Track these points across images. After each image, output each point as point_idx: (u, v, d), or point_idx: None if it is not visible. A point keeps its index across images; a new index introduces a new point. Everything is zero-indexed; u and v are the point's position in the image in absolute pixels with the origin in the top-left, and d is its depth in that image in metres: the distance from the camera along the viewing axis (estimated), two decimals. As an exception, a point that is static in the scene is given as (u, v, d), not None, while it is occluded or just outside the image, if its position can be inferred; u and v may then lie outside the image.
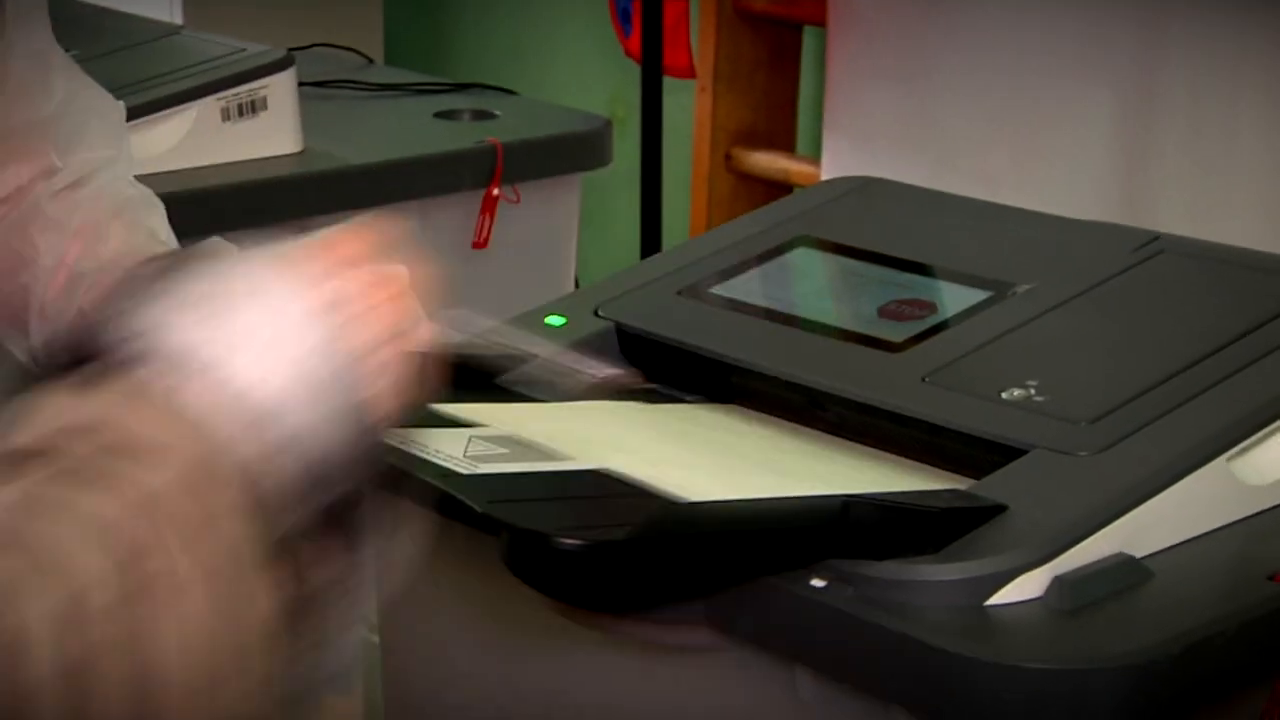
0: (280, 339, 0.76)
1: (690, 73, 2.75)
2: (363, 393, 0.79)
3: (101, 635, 0.65)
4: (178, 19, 3.08)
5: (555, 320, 1.41)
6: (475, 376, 1.34)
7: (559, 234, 2.32)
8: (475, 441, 1.15)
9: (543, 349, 1.21)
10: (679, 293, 1.42)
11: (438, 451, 1.12)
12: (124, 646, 0.66)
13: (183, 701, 0.68)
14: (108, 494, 0.68)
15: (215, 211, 1.95)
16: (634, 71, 2.74)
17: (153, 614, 0.67)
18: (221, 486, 0.71)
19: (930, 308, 1.34)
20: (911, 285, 1.38)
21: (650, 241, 2.66)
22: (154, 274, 0.78)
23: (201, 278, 0.78)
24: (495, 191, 2.18)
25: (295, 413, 0.75)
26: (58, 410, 0.71)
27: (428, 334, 0.87)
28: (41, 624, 0.64)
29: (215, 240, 0.87)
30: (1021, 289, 1.34)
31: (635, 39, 2.69)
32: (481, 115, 2.36)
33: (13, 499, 0.67)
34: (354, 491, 0.79)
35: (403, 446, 1.12)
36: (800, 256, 1.45)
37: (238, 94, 2.13)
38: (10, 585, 0.64)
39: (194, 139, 2.08)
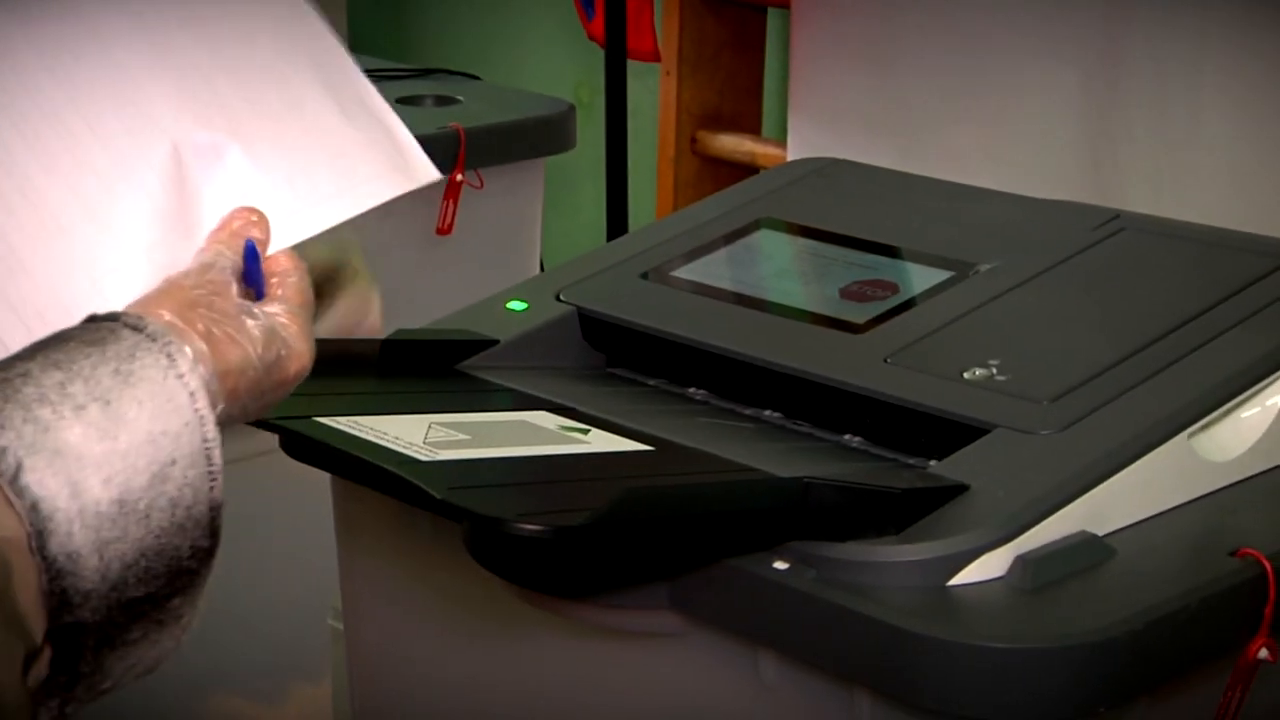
0: (123, 458, 0.80)
1: (654, 56, 2.74)
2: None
3: None
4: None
5: (517, 305, 1.41)
6: (434, 361, 1.34)
7: (523, 219, 2.31)
8: (435, 428, 1.15)
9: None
10: (642, 276, 1.42)
11: (397, 438, 1.11)
12: None
13: None
14: None
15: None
16: (598, 55, 2.73)
17: None
18: None
19: (892, 288, 1.34)
20: (874, 266, 1.38)
21: (616, 225, 2.65)
22: (54, 345, 0.82)
23: (93, 368, 0.81)
24: (459, 177, 2.17)
25: (109, 526, 0.80)
26: None
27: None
28: None
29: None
30: (983, 269, 1.34)
31: (598, 22, 2.68)
32: (444, 101, 2.35)
33: None
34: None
35: (363, 433, 1.12)
36: (763, 238, 1.45)
37: (199, 81, 2.11)
38: None
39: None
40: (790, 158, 2.50)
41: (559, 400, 1.27)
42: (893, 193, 1.51)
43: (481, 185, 2.20)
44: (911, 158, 2.21)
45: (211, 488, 0.83)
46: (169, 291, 0.89)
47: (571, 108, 2.35)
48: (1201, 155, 2.13)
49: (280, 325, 0.91)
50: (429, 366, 1.33)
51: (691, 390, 1.34)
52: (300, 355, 0.92)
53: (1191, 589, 1.05)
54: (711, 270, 1.41)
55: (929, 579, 1.05)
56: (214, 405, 0.85)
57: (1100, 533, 1.09)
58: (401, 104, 2.33)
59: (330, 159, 1.00)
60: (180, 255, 0.93)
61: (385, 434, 1.12)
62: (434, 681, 1.35)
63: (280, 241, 0.95)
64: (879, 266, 1.37)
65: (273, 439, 1.20)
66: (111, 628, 0.81)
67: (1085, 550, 1.08)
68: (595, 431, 1.21)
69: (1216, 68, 2.11)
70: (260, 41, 1.01)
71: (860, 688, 1.06)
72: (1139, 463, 1.12)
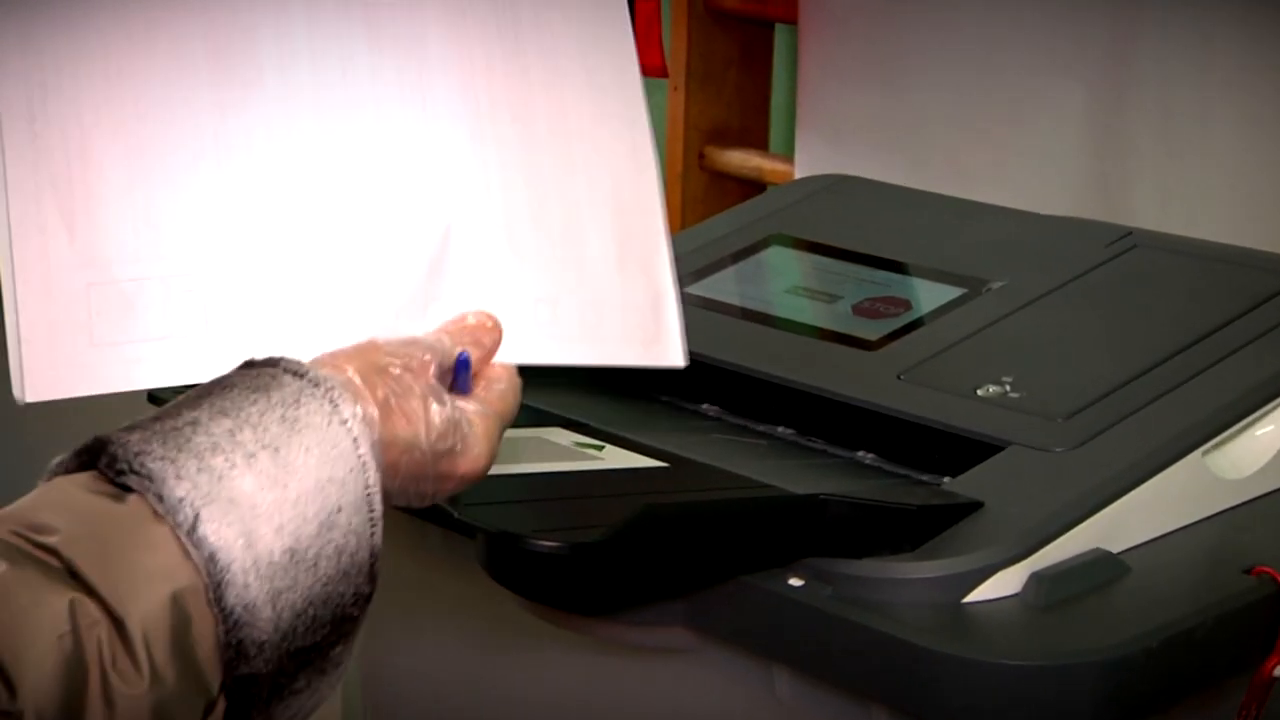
0: (292, 512, 0.80)
1: (662, 72, 2.74)
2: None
3: None
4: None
5: (530, 321, 1.41)
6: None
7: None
8: (451, 444, 1.15)
9: None
10: (654, 292, 1.42)
11: (413, 454, 1.11)
12: None
13: None
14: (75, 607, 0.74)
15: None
16: (606, 71, 2.73)
17: None
18: (162, 639, 0.76)
19: (905, 305, 1.34)
20: (886, 283, 1.38)
21: (624, 241, 2.65)
22: (218, 393, 0.82)
23: (259, 415, 0.81)
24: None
25: (274, 582, 0.79)
26: (54, 509, 0.77)
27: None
28: None
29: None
30: (995, 286, 1.34)
31: (607, 38, 2.68)
32: (454, 116, 2.35)
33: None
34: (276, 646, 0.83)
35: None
36: (775, 255, 1.45)
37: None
38: None
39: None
40: (798, 173, 2.50)
41: (573, 416, 1.27)
42: (904, 209, 1.51)
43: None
44: (919, 173, 2.21)
45: (373, 534, 0.83)
46: (362, 350, 0.88)
47: (582, 123, 2.35)
48: (1209, 170, 2.13)
49: (465, 421, 0.90)
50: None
51: (704, 407, 1.34)
52: (477, 458, 0.90)
53: (1206, 607, 1.05)
54: (724, 287, 1.42)
55: (944, 596, 1.05)
56: (376, 462, 0.83)
57: (1115, 550, 1.10)
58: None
59: (592, 302, 0.97)
60: (407, 328, 0.92)
61: (401, 450, 1.12)
62: (445, 697, 1.35)
63: (506, 356, 0.94)
64: (891, 283, 1.38)
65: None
66: (281, 677, 0.80)
67: (1100, 568, 1.08)
68: (610, 448, 1.21)
69: (1224, 83, 2.11)
70: (590, 155, 0.99)
71: (875, 704, 1.06)
72: (1153, 480, 1.12)
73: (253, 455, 0.79)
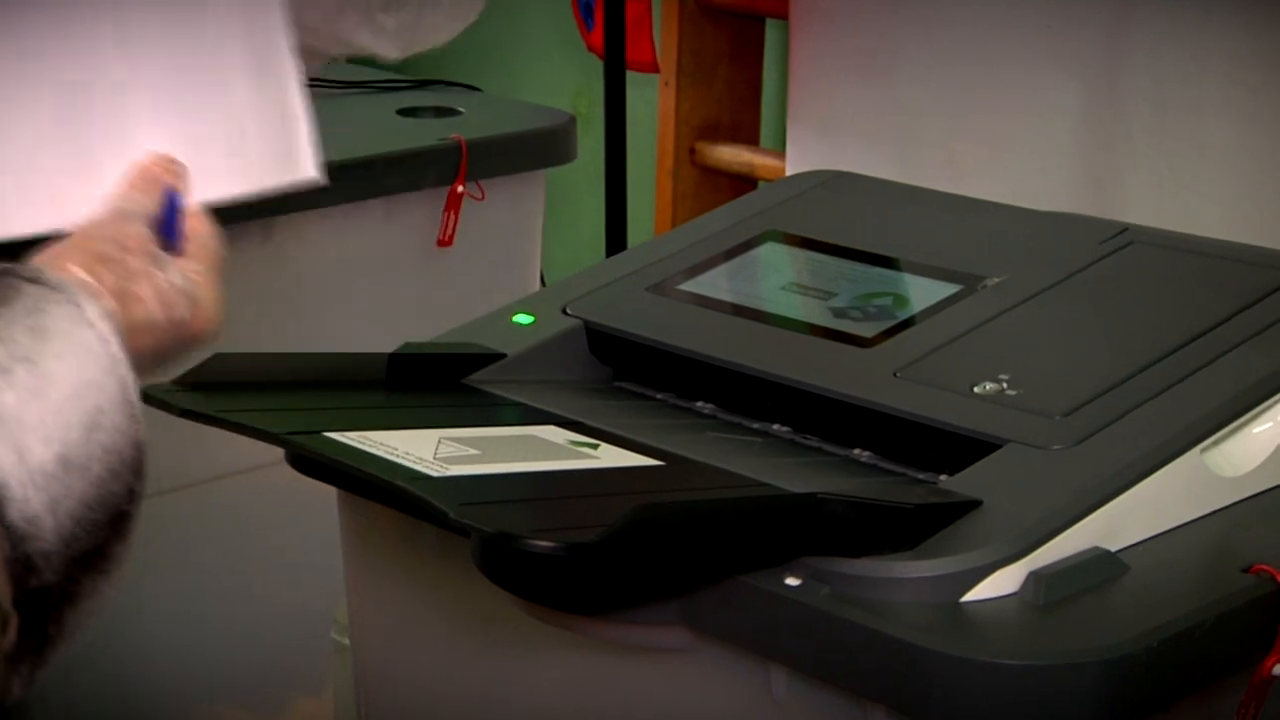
0: (55, 419, 0.80)
1: (653, 67, 2.74)
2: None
3: None
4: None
5: (523, 319, 1.41)
6: (441, 375, 1.34)
7: (524, 230, 2.30)
8: (445, 443, 1.14)
9: None
10: (647, 290, 1.41)
11: (408, 454, 1.11)
12: None
13: None
14: None
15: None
16: (597, 67, 2.73)
17: None
18: None
19: (900, 302, 1.33)
20: (881, 279, 1.37)
21: (615, 237, 2.65)
22: None
23: (7, 328, 0.81)
24: (460, 189, 2.17)
25: (42, 488, 0.79)
26: None
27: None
28: None
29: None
30: (991, 282, 1.33)
31: (598, 34, 2.68)
32: (445, 112, 2.34)
33: None
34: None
35: (372, 449, 1.12)
36: (769, 251, 1.45)
37: (199, 93, 2.11)
38: None
39: (155, 139, 2.06)
40: (789, 169, 2.50)
41: (568, 415, 1.27)
42: (898, 205, 1.51)
43: (483, 197, 2.19)
44: (911, 168, 2.21)
45: (136, 428, 0.83)
46: (79, 243, 0.88)
47: (573, 119, 2.35)
48: (1203, 166, 2.13)
49: (191, 283, 0.91)
50: (436, 380, 1.32)
51: (699, 404, 1.34)
52: (210, 316, 0.92)
53: (1205, 605, 1.05)
54: (718, 284, 1.41)
55: (942, 595, 1.05)
56: (127, 356, 0.84)
57: (1113, 548, 1.09)
58: (402, 115, 2.33)
59: (236, 137, 0.99)
60: (79, 190, 0.91)
61: (395, 449, 1.11)
62: (441, 696, 1.35)
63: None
64: (886, 280, 1.37)
65: (277, 451, 1.19)
66: (69, 584, 0.81)
67: (1098, 566, 1.08)
68: (605, 446, 1.20)
69: (1218, 78, 2.11)
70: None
71: (873, 704, 1.06)
72: (1152, 478, 1.11)
73: (8, 370, 0.79)
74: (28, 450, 0.78)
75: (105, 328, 0.83)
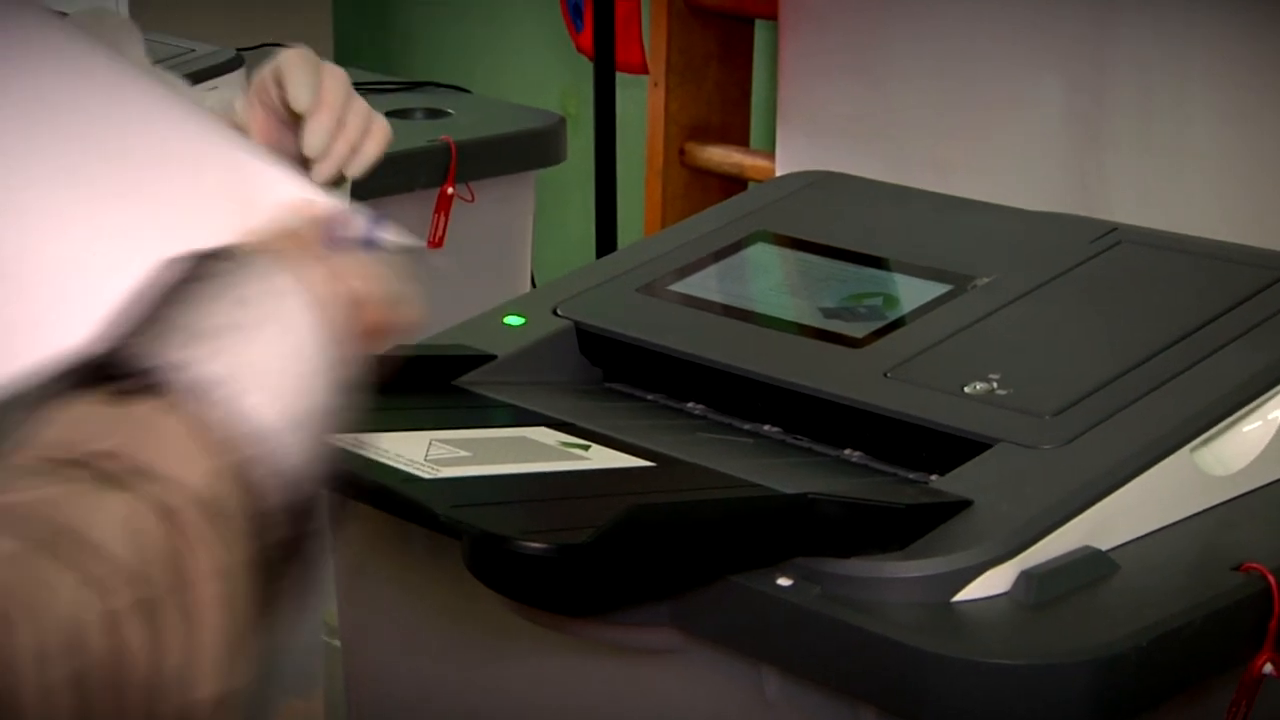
0: (290, 371, 0.81)
1: (643, 68, 2.74)
2: (340, 399, 0.84)
3: (129, 635, 0.69)
4: (124, 20, 3.06)
5: (514, 320, 1.40)
6: (432, 377, 1.33)
7: (514, 231, 2.31)
8: (436, 445, 1.14)
9: None
10: (638, 291, 1.41)
11: (399, 455, 1.11)
12: (149, 646, 0.70)
13: (200, 707, 0.71)
14: (137, 503, 0.73)
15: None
16: (586, 68, 2.73)
17: (176, 618, 0.71)
18: (229, 512, 0.76)
19: (890, 302, 1.33)
20: (871, 279, 1.37)
21: (605, 237, 2.65)
22: (170, 294, 0.82)
23: (214, 302, 0.81)
24: (450, 190, 2.17)
25: (294, 438, 0.80)
26: (86, 427, 0.76)
27: (407, 322, 0.91)
28: (64, 624, 0.68)
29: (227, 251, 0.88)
30: (981, 282, 1.33)
31: (587, 35, 2.68)
32: (434, 114, 2.34)
33: (54, 494, 0.72)
34: (312, 493, 0.83)
35: (363, 451, 1.11)
36: (760, 252, 1.45)
37: (187, 95, 2.11)
38: (40, 578, 0.68)
39: (144, 141, 2.06)
40: (779, 169, 2.50)
41: (558, 416, 1.26)
42: (888, 206, 1.51)
43: (473, 198, 2.19)
44: (899, 169, 2.21)
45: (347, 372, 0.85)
46: (282, 236, 0.88)
47: (562, 120, 2.35)
48: (1188, 165, 2.13)
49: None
50: (427, 382, 1.32)
51: (690, 405, 1.34)
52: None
53: (1196, 604, 1.05)
54: (708, 285, 1.41)
55: (933, 595, 1.05)
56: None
57: (1104, 547, 1.09)
58: (392, 117, 2.32)
59: None
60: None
61: (386, 451, 1.11)
62: (432, 698, 1.35)
63: None
64: (876, 280, 1.37)
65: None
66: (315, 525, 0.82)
67: (1089, 565, 1.08)
68: (596, 447, 1.20)
69: (1202, 78, 2.11)
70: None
71: (864, 704, 1.06)
72: (1142, 477, 1.12)
73: (249, 329, 0.80)
74: (278, 400, 0.79)
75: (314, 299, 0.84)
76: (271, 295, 0.84)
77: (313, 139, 1.16)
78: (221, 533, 0.75)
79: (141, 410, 0.77)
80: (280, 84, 1.16)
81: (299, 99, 1.15)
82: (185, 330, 0.80)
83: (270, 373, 0.80)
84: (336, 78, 1.17)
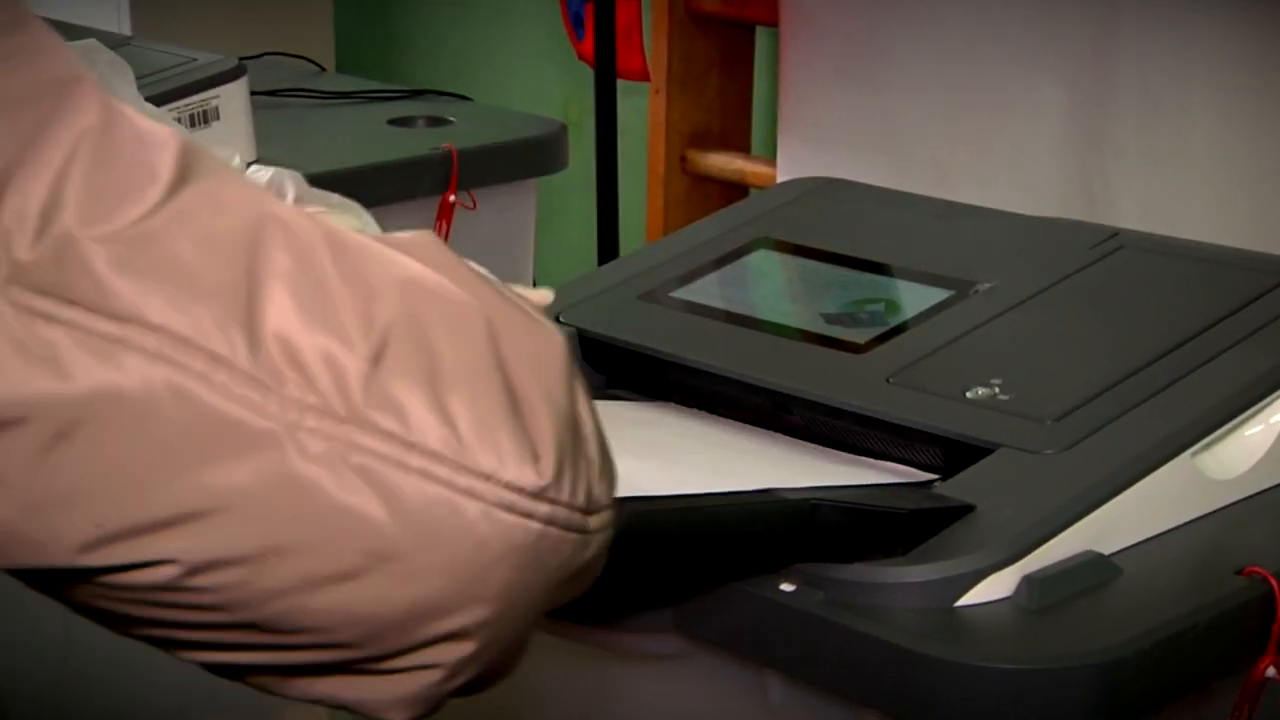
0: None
1: (644, 75, 2.74)
2: None
3: None
4: (126, 30, 3.06)
5: (516, 327, 1.40)
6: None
7: (516, 239, 2.31)
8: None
9: None
10: (640, 297, 1.42)
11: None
12: None
13: None
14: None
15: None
16: (587, 75, 2.74)
17: None
18: None
19: (892, 308, 1.34)
20: (872, 285, 1.37)
21: (607, 244, 2.66)
22: None
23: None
24: (451, 198, 2.17)
25: None
26: None
27: None
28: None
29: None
30: (983, 287, 1.33)
31: (588, 42, 2.68)
32: (436, 121, 2.35)
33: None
34: None
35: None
36: (761, 259, 1.45)
37: (189, 104, 2.11)
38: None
39: (146, 150, 2.06)
40: (780, 176, 2.50)
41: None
42: (889, 211, 1.51)
43: (475, 206, 2.19)
44: (900, 175, 2.21)
45: None
46: None
47: (564, 127, 2.35)
48: (1190, 170, 2.14)
49: None
50: None
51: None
52: None
53: (1198, 608, 1.05)
54: (710, 291, 1.41)
55: (936, 600, 1.05)
56: None
57: (1106, 552, 1.09)
58: (393, 125, 2.33)
59: None
60: None
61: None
62: (435, 705, 1.35)
63: None
64: (878, 286, 1.37)
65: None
66: None
67: (1091, 570, 1.08)
68: None
69: (1204, 83, 2.11)
70: None
71: (867, 709, 1.06)
72: (1144, 481, 1.12)
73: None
74: None
75: None
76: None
77: None
78: None
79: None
80: None
81: None
82: None
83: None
84: None
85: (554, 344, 0.75)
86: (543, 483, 0.70)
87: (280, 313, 0.66)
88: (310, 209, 0.91)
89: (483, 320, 0.72)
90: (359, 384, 0.67)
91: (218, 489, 0.65)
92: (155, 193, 0.67)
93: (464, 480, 0.68)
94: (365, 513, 0.67)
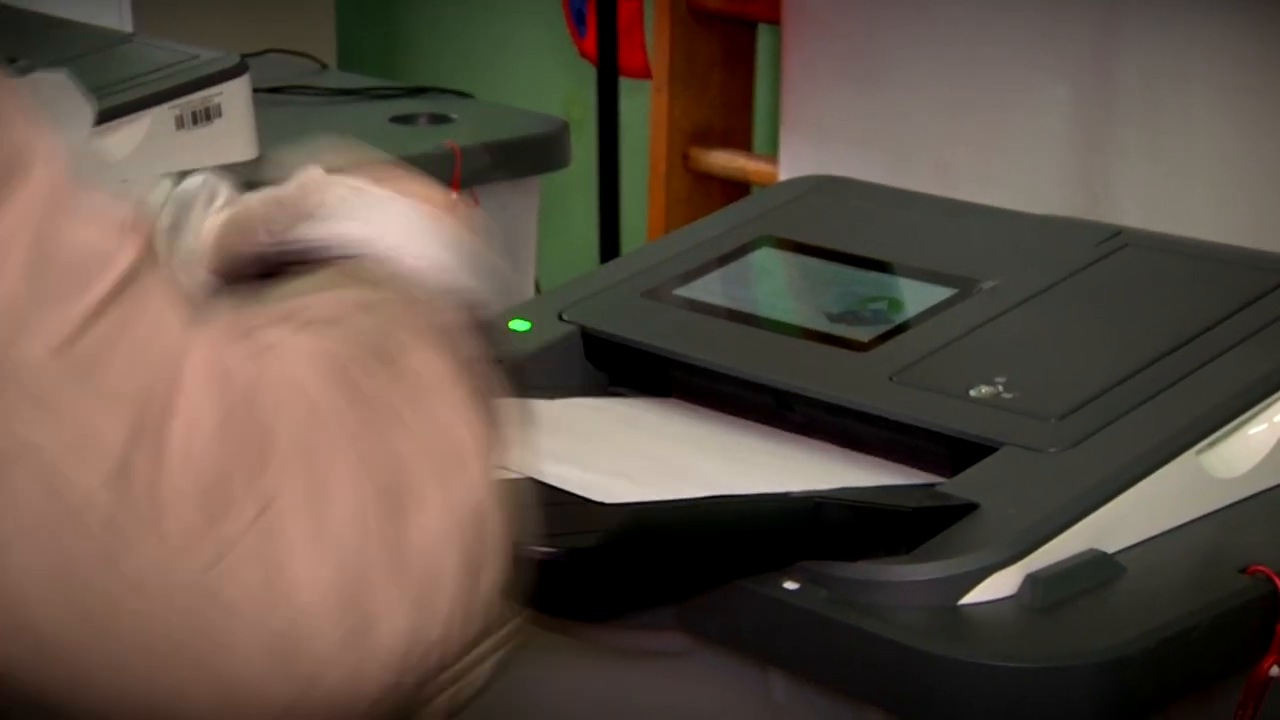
0: (428, 227, 0.87)
1: (646, 73, 2.74)
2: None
3: None
4: (128, 26, 3.06)
5: (520, 324, 1.40)
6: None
7: (518, 237, 2.31)
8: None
9: None
10: (643, 295, 1.41)
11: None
12: None
13: None
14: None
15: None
16: (589, 73, 2.73)
17: None
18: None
19: (895, 306, 1.34)
20: (876, 283, 1.37)
21: (609, 242, 2.66)
22: (287, 201, 0.89)
23: (335, 190, 0.88)
24: (454, 196, 2.17)
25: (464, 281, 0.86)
26: (298, 287, 0.80)
27: None
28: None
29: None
30: (986, 286, 1.33)
31: (590, 40, 2.68)
32: (438, 119, 2.34)
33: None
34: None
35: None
36: (764, 257, 1.45)
37: (191, 101, 2.11)
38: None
39: (148, 147, 2.06)
40: (782, 174, 2.50)
41: (564, 420, 1.27)
42: (892, 210, 1.51)
43: (477, 204, 2.19)
44: (903, 173, 2.21)
45: None
46: None
47: (566, 125, 2.35)
48: (1193, 169, 2.14)
49: None
50: None
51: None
52: None
53: (1202, 607, 1.05)
54: (713, 289, 1.41)
55: (940, 598, 1.05)
56: None
57: (1110, 550, 1.09)
58: (395, 123, 2.33)
59: None
60: None
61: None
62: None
63: None
64: (881, 284, 1.37)
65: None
66: None
67: (1095, 568, 1.08)
68: None
69: (1207, 82, 2.12)
70: None
71: (871, 707, 1.06)
72: (1148, 480, 1.12)
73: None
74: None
75: None
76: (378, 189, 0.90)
77: None
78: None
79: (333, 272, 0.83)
80: None
81: None
82: (321, 215, 0.85)
83: (417, 230, 0.85)
84: None
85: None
86: None
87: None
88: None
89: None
90: None
91: None
92: (74, 318, 0.65)
93: None
94: None
